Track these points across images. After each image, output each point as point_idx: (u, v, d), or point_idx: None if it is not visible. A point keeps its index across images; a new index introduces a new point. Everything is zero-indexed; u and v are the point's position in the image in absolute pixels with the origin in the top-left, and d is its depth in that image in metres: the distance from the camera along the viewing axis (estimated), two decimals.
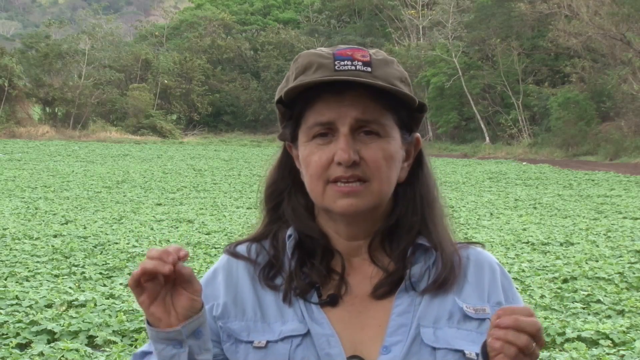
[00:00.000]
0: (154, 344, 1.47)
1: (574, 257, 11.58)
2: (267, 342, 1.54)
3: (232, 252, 1.65)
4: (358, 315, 1.56)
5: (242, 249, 1.65)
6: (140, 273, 1.41)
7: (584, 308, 8.49)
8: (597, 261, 11.24)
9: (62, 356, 6.37)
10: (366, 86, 1.50)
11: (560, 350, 6.96)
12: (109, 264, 10.52)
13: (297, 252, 1.59)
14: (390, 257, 1.59)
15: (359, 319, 1.56)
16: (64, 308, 7.94)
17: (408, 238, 1.59)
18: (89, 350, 6.64)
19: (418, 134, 1.62)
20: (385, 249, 1.60)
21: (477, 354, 1.52)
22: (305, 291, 1.56)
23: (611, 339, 7.20)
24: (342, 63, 1.52)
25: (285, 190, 1.64)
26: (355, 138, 1.52)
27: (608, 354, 6.80)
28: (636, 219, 16.96)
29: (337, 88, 1.52)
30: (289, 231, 1.61)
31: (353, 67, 1.52)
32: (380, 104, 1.53)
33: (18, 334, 7.08)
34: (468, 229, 14.85)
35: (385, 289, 1.57)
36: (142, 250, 11.48)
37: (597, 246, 12.80)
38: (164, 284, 1.44)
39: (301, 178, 1.60)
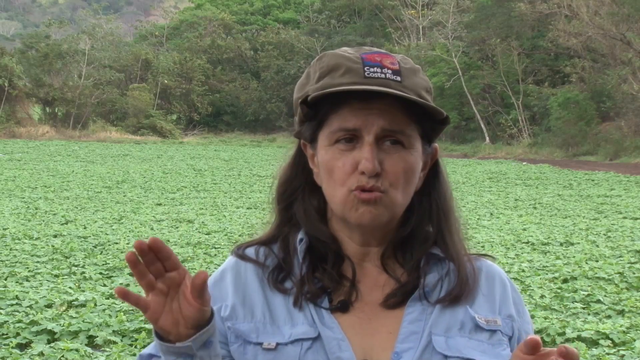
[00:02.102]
0: (164, 355, 1.45)
1: (574, 257, 11.58)
2: (277, 344, 1.52)
3: (240, 255, 1.63)
4: (368, 322, 1.55)
5: (250, 251, 1.63)
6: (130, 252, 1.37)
7: (584, 308, 8.50)
8: (597, 261, 11.25)
9: (62, 356, 6.37)
10: (395, 96, 1.49)
11: None
12: (109, 264, 10.52)
13: (309, 257, 1.57)
14: (403, 267, 1.58)
15: (370, 325, 1.54)
16: (64, 308, 7.94)
17: (423, 249, 1.58)
18: (89, 350, 6.65)
19: (437, 145, 1.61)
20: (398, 258, 1.59)
21: None
22: (317, 296, 1.54)
23: (611, 339, 7.21)
24: (372, 70, 1.51)
25: (297, 189, 1.62)
26: (379, 147, 1.51)
27: (608, 354, 6.80)
28: (636, 219, 16.96)
29: (365, 95, 1.49)
30: (300, 235, 1.59)
31: (383, 75, 1.50)
32: (407, 115, 1.52)
33: (18, 334, 7.08)
34: (468, 229, 14.80)
35: (397, 300, 1.55)
36: None
37: (597, 246, 12.80)
38: (168, 293, 1.41)
39: (314, 178, 1.59)
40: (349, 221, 1.54)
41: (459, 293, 1.56)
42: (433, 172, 1.62)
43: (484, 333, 1.55)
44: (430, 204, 1.60)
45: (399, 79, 1.51)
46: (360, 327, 1.54)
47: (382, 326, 1.54)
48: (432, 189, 1.61)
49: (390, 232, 1.58)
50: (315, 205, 1.60)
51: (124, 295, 1.37)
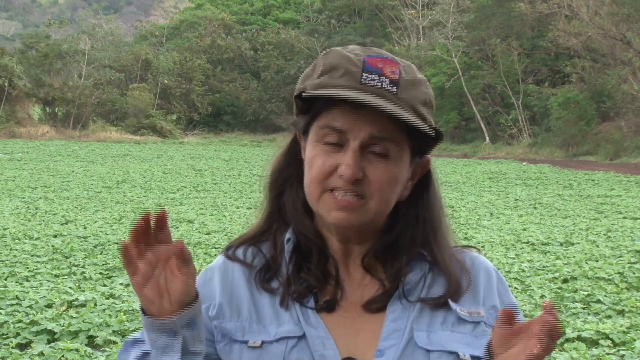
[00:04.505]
0: (148, 333, 1.46)
1: (574, 257, 11.58)
2: (262, 342, 1.53)
3: (228, 256, 1.64)
4: (352, 321, 1.56)
5: (238, 252, 1.64)
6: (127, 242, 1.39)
7: (584, 308, 8.50)
8: (597, 261, 11.25)
9: (62, 356, 6.37)
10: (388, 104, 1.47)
11: (560, 350, 6.96)
12: (109, 264, 10.52)
13: (295, 256, 1.58)
14: (386, 272, 1.57)
15: (354, 324, 1.55)
16: (64, 308, 7.94)
17: (406, 257, 1.58)
18: (89, 350, 6.65)
19: (429, 156, 1.59)
20: (381, 262, 1.58)
21: (471, 356, 1.52)
22: (303, 296, 1.55)
23: (611, 339, 7.21)
24: (370, 76, 1.49)
25: (288, 179, 1.62)
26: (363, 154, 1.49)
27: (608, 354, 6.80)
28: (636, 219, 16.96)
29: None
30: (288, 234, 1.60)
31: (379, 84, 1.49)
32: (398, 126, 1.50)
33: (18, 334, 7.09)
34: (468, 229, 14.86)
35: (379, 305, 1.56)
36: None
37: (597, 246, 12.80)
38: (157, 263, 1.41)
39: (304, 169, 1.59)
40: (324, 219, 1.55)
41: (446, 300, 1.56)
42: (424, 184, 1.60)
43: (467, 325, 1.56)
44: (416, 215, 1.59)
45: (394, 90, 1.49)
46: (344, 326, 1.55)
47: (366, 325, 1.55)
48: (420, 201, 1.60)
49: (371, 233, 1.57)
50: (302, 198, 1.59)
51: (126, 249, 1.39)
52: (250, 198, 20.54)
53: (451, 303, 1.56)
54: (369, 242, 1.58)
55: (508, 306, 1.56)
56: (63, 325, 7.17)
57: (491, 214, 17.67)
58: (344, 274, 1.59)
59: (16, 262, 10.58)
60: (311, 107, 1.55)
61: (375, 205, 1.51)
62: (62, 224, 14.66)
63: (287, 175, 1.62)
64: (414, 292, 1.57)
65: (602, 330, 7.32)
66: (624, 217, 17.24)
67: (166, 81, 57.79)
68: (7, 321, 7.32)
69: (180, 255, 1.40)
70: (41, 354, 6.46)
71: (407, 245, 1.58)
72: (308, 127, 1.56)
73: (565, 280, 9.91)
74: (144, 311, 1.45)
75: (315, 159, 1.52)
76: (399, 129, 1.50)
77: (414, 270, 1.58)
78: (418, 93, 1.53)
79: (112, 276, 9.92)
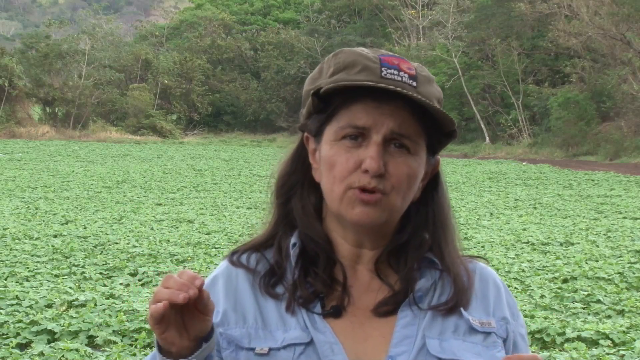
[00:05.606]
0: None
1: (574, 257, 11.58)
2: (270, 349, 1.51)
3: (232, 261, 1.62)
4: (361, 327, 1.54)
5: (242, 258, 1.62)
6: (162, 309, 1.37)
7: (584, 308, 8.50)
8: (597, 261, 11.25)
9: (62, 356, 6.37)
10: (407, 100, 1.48)
11: (560, 350, 6.96)
12: (109, 264, 10.52)
13: (301, 261, 1.57)
14: (397, 274, 1.57)
15: (362, 329, 1.54)
16: (64, 308, 7.94)
17: (417, 255, 1.57)
18: (89, 350, 6.65)
19: (439, 157, 1.60)
20: (392, 264, 1.58)
21: None
22: (309, 301, 1.54)
23: (611, 339, 7.21)
24: (389, 71, 1.49)
25: (296, 184, 1.60)
26: (384, 149, 1.49)
27: (608, 354, 6.80)
28: (636, 219, 16.97)
29: (379, 95, 1.48)
30: (293, 239, 1.58)
31: (399, 78, 1.49)
32: (417, 122, 1.51)
33: (18, 334, 7.09)
34: (468, 229, 14.86)
35: (389, 308, 1.55)
36: (142, 250, 11.48)
37: (597, 246, 12.81)
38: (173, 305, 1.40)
39: (312, 173, 1.58)
40: (344, 219, 1.53)
41: (456, 304, 1.56)
42: (433, 184, 1.61)
43: (478, 335, 1.55)
44: (427, 214, 1.59)
45: (414, 84, 1.50)
46: (352, 332, 1.53)
47: (375, 330, 1.54)
48: (430, 200, 1.60)
49: (384, 236, 1.57)
50: (312, 202, 1.58)
51: (162, 318, 1.39)
52: (250, 198, 20.54)
53: (463, 312, 1.56)
54: (381, 246, 1.57)
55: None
56: (63, 325, 7.17)
57: (491, 214, 17.67)
58: (352, 279, 1.57)
59: (16, 262, 10.58)
60: (327, 106, 1.53)
61: (395, 200, 1.51)
62: (62, 224, 14.66)
63: (295, 181, 1.60)
64: (425, 299, 1.56)
65: (602, 330, 7.32)
66: (624, 217, 17.24)
67: (166, 81, 57.79)
68: (7, 321, 7.32)
69: (202, 300, 1.40)
70: (41, 354, 6.46)
71: (418, 247, 1.58)
72: (322, 128, 1.54)
73: (565, 280, 9.91)
74: (161, 351, 1.44)
75: (335, 157, 1.51)
76: (418, 125, 1.51)
77: (424, 276, 1.57)
78: (433, 90, 1.54)
79: (112, 276, 9.92)
